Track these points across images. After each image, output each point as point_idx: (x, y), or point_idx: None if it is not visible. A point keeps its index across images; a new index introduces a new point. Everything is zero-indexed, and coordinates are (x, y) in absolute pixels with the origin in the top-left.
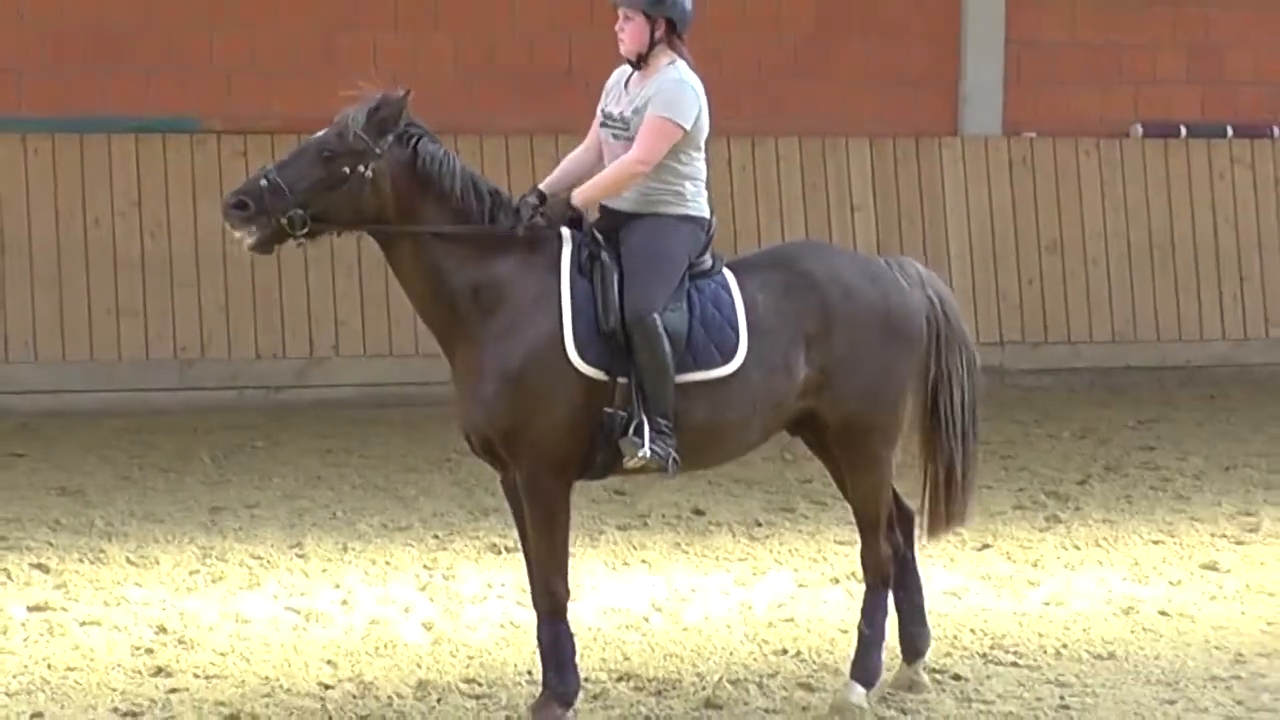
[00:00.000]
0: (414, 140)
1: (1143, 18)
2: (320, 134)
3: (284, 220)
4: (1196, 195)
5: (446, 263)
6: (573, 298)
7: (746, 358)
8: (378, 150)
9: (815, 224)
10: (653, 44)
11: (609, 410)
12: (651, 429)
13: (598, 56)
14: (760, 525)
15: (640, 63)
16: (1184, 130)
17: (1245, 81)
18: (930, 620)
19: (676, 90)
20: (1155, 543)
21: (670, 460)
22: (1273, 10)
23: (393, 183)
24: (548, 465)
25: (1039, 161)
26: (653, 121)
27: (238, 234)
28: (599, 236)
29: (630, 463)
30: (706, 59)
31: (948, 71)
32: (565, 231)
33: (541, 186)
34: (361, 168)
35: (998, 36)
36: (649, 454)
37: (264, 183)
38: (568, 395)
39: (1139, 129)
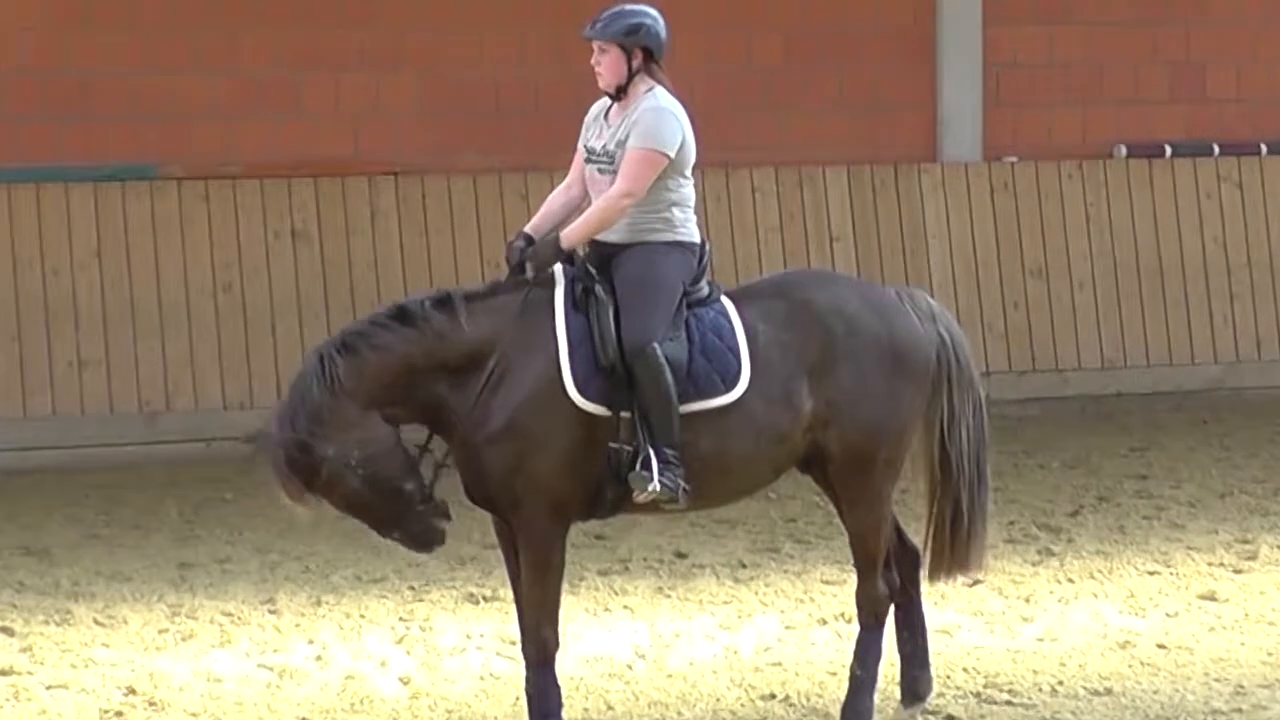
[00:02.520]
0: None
1: (1123, 36)
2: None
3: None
4: (1184, 216)
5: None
6: (569, 335)
7: (749, 388)
8: (329, 452)
9: (793, 255)
10: (631, 75)
11: (614, 445)
12: (659, 461)
13: (566, 93)
14: (745, 567)
15: (619, 94)
16: (1169, 150)
17: (1229, 99)
18: None
19: (656, 118)
20: (1151, 574)
21: (680, 490)
22: (1254, 26)
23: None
24: (546, 507)
25: (1021, 185)
26: (635, 153)
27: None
28: (591, 271)
29: (640, 497)
30: (676, 91)
31: (925, 96)
32: (557, 268)
33: (526, 229)
34: (341, 464)
35: (975, 59)
36: (659, 486)
37: (395, 537)
38: (568, 434)
39: (1122, 149)
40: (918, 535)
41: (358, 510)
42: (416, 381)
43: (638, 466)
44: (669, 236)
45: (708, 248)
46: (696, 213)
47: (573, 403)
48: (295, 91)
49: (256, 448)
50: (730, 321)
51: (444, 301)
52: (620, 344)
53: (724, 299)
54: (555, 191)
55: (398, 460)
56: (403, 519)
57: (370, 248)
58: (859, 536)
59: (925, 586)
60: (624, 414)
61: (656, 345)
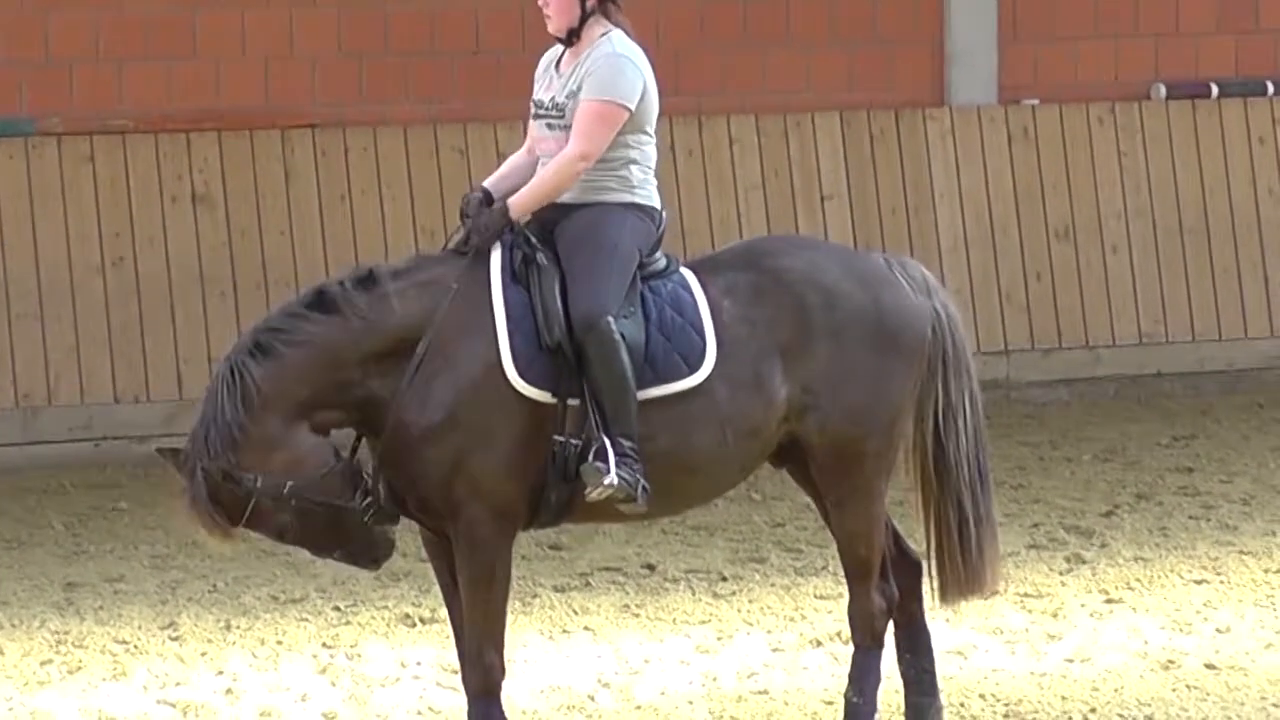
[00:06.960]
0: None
1: None
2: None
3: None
4: (1234, 165)
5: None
6: (508, 311)
7: (713, 370)
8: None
9: (778, 217)
10: (584, 16)
11: (560, 439)
12: (615, 452)
13: (512, 28)
14: (724, 580)
15: (572, 38)
16: (1215, 89)
17: None
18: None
19: (613, 67)
20: (1198, 583)
21: (640, 488)
22: None
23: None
24: (489, 512)
25: (1043, 132)
26: (589, 107)
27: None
28: (531, 237)
29: (594, 494)
30: (638, 25)
31: (930, 29)
32: None
33: (486, 184)
34: (271, 496)
35: None
36: (615, 481)
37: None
38: (509, 425)
39: (1161, 89)
40: (920, 544)
41: (295, 539)
42: (346, 379)
43: (590, 458)
44: (625, 197)
45: (665, 216)
46: (664, 169)
47: (513, 388)
48: (192, 30)
49: (175, 471)
50: (691, 294)
51: (368, 280)
52: (568, 319)
53: (684, 270)
54: (514, 156)
55: (334, 481)
56: (343, 540)
57: (284, 213)
58: (849, 541)
59: (931, 600)
60: (571, 401)
61: (610, 319)
